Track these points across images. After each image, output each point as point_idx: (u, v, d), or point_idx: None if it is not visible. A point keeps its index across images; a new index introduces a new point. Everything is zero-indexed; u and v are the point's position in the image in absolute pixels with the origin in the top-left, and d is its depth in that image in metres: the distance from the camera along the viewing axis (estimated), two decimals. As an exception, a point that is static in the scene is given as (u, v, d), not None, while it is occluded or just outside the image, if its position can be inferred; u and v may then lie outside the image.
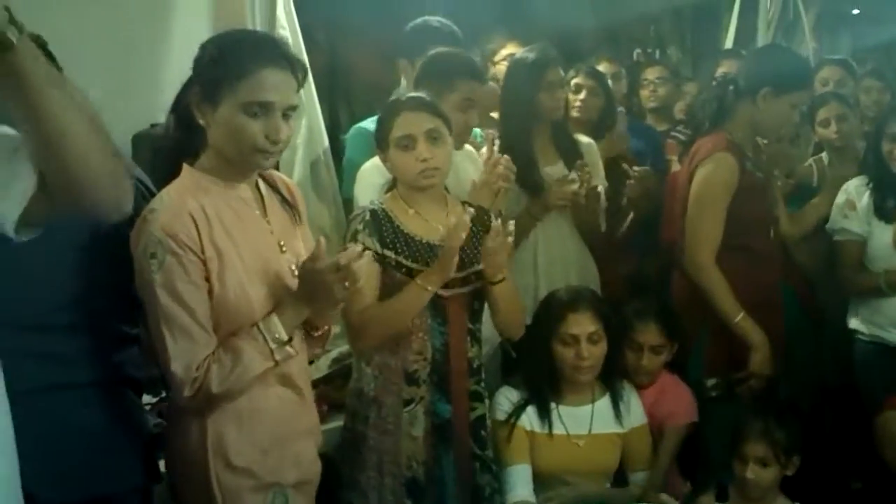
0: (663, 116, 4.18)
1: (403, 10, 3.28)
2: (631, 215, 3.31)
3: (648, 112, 4.20)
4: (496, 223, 2.25)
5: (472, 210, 2.27)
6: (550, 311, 2.64)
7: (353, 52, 4.06)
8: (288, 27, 3.09)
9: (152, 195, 1.87)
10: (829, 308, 3.22)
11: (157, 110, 2.29)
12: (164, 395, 2.30)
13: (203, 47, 1.84)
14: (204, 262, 1.77)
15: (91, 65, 2.47)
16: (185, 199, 1.79)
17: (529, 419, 2.61)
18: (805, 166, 3.51)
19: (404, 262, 2.24)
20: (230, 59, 1.77)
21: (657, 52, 5.62)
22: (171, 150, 1.88)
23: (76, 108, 1.28)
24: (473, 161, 2.76)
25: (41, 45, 1.30)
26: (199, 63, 1.83)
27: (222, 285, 1.79)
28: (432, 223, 2.27)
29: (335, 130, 3.51)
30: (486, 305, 2.38)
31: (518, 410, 2.61)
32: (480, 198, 2.51)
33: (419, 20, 3.05)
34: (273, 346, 1.82)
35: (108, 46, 2.80)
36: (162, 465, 2.01)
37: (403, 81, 3.02)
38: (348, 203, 2.88)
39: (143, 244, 1.75)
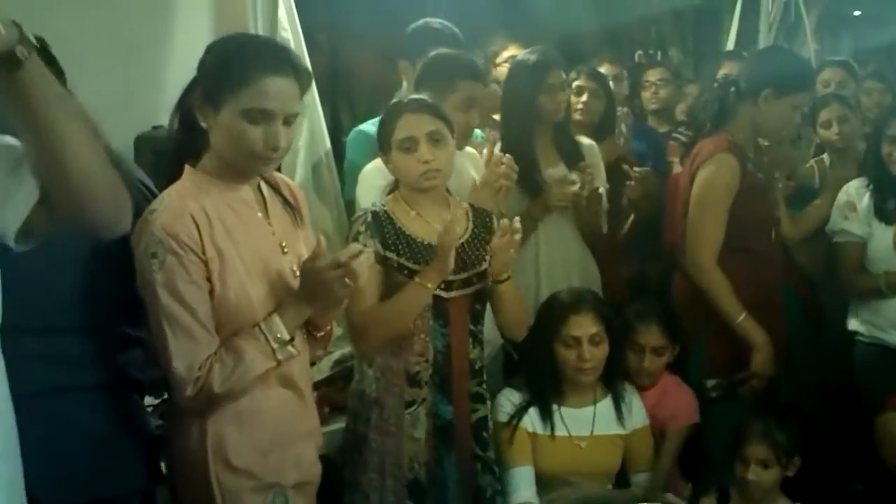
0: (665, 118, 4.17)
1: (405, 11, 3.28)
2: (632, 217, 3.32)
3: (650, 114, 4.20)
4: (504, 221, 2.25)
5: (464, 205, 2.26)
6: (552, 313, 2.64)
7: (355, 53, 4.07)
8: (290, 29, 3.09)
9: (154, 196, 1.87)
10: (829, 309, 3.23)
11: (159, 112, 2.29)
12: (165, 396, 2.30)
13: (208, 50, 1.84)
14: (205, 263, 1.78)
15: (93, 66, 2.50)
16: (187, 199, 1.80)
17: (531, 421, 2.61)
18: (806, 168, 3.51)
19: (406, 263, 2.23)
20: (234, 65, 1.76)
21: (658, 54, 5.62)
22: (173, 151, 1.89)
23: (79, 123, 1.28)
24: (475, 162, 2.76)
25: (43, 47, 1.31)
26: (203, 66, 1.83)
27: (223, 285, 1.79)
28: (434, 225, 2.26)
29: (337, 132, 3.50)
30: (487, 307, 2.39)
31: (520, 412, 2.61)
32: (481, 198, 2.51)
33: (420, 22, 3.05)
34: (275, 345, 1.82)
35: (110, 48, 2.80)
36: (164, 466, 2.01)
37: (405, 83, 3.02)
38: (350, 205, 2.87)
39: (145, 244, 1.75)
